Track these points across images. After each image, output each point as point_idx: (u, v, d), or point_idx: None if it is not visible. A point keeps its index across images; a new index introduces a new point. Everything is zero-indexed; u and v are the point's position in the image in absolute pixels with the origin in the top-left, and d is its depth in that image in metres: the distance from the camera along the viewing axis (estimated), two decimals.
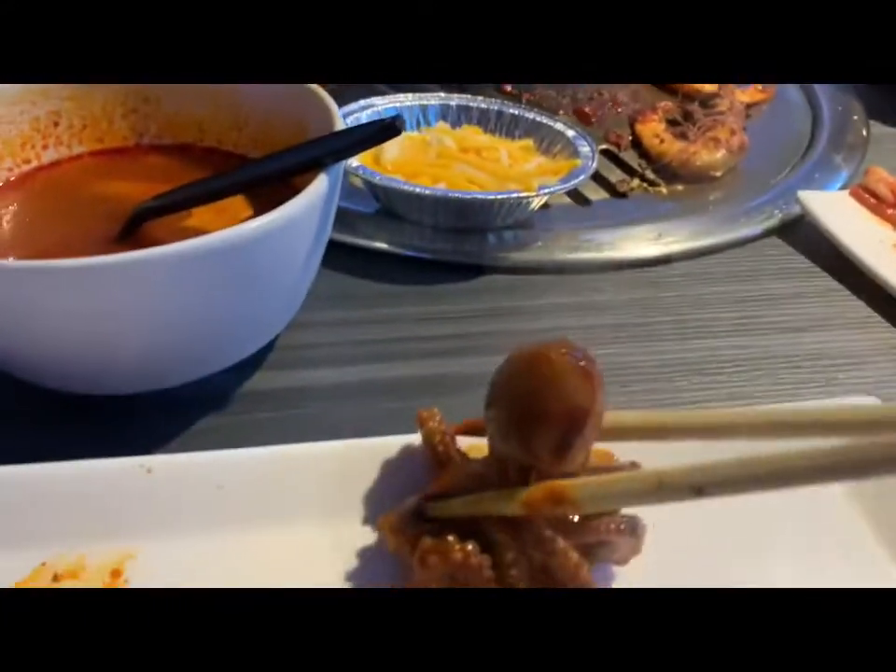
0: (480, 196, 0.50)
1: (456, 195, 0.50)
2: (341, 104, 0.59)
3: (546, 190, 0.51)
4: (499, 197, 0.50)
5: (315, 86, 0.44)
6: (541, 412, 0.28)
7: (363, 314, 0.48)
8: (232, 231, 0.33)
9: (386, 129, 0.37)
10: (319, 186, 0.37)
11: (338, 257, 0.50)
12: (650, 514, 0.32)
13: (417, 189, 0.50)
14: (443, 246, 0.52)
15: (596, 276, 0.53)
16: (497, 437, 0.31)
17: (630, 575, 0.33)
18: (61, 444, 0.35)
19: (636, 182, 0.64)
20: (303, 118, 0.44)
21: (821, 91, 0.76)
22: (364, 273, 0.51)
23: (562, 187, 0.52)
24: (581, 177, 0.53)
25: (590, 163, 0.55)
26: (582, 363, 0.29)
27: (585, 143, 0.57)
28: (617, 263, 0.54)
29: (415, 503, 0.32)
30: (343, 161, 0.39)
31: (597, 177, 0.63)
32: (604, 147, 0.67)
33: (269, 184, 0.40)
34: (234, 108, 0.48)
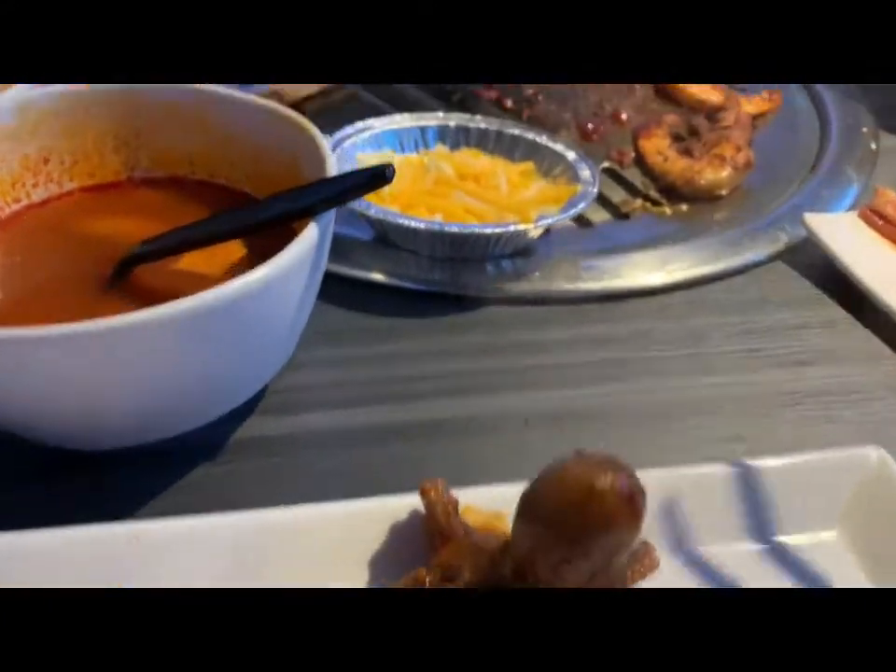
0: (476, 229, 0.49)
1: (452, 229, 0.49)
2: (339, 124, 0.58)
3: (543, 222, 0.50)
4: (496, 231, 0.49)
5: (306, 121, 0.43)
6: (586, 550, 0.27)
7: (357, 351, 0.48)
8: (216, 291, 0.33)
9: (377, 177, 0.37)
10: (310, 235, 0.36)
11: (332, 289, 0.50)
12: None
13: (413, 223, 0.49)
14: (441, 277, 0.52)
15: (598, 306, 0.52)
16: (525, 548, 0.29)
17: None
18: (45, 499, 0.35)
19: (638, 202, 0.63)
20: (294, 152, 0.44)
21: (829, 98, 0.75)
22: (359, 307, 0.51)
23: (560, 217, 0.51)
24: (581, 206, 0.52)
25: (591, 189, 0.54)
26: (633, 498, 0.27)
27: (586, 166, 0.56)
28: (619, 293, 0.53)
29: (422, 574, 0.31)
30: (333, 209, 0.38)
31: (600, 197, 0.62)
32: (606, 164, 0.65)
33: (259, 231, 0.40)
34: (225, 142, 0.47)
